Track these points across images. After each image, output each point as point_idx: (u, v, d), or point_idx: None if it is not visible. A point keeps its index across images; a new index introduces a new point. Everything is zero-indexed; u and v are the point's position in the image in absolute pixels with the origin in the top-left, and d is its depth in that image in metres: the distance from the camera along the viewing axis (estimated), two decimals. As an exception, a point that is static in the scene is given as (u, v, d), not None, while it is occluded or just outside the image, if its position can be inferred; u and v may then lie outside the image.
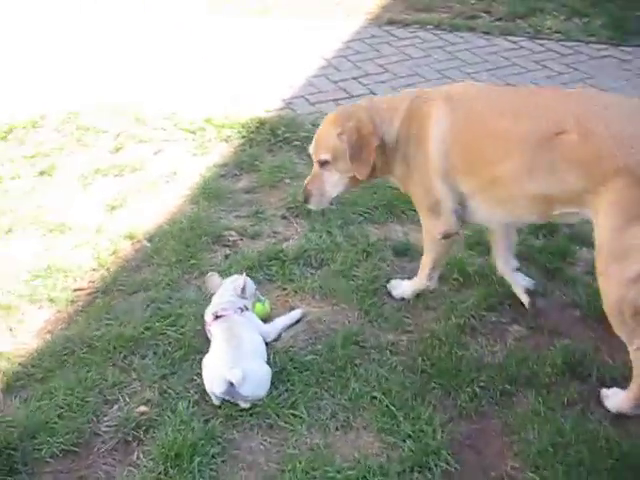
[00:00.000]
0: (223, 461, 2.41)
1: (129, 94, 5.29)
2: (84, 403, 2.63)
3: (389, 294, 3.14)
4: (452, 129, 2.63)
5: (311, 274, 3.28)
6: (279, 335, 2.92)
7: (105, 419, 2.59)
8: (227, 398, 2.58)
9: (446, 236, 2.85)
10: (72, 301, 3.21)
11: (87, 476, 2.40)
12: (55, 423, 2.54)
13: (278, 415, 2.54)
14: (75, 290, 3.28)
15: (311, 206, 2.95)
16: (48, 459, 2.44)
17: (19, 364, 2.85)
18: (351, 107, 2.92)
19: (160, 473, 2.35)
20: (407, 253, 3.42)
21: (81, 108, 5.06)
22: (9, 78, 5.67)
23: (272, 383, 2.64)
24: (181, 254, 3.43)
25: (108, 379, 2.74)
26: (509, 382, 2.65)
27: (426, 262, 3.02)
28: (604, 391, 2.58)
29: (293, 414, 2.54)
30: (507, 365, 2.72)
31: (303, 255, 3.39)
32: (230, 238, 3.61)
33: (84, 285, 3.31)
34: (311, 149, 2.90)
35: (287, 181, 4.08)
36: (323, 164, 2.79)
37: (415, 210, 3.02)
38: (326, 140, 2.78)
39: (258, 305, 3.01)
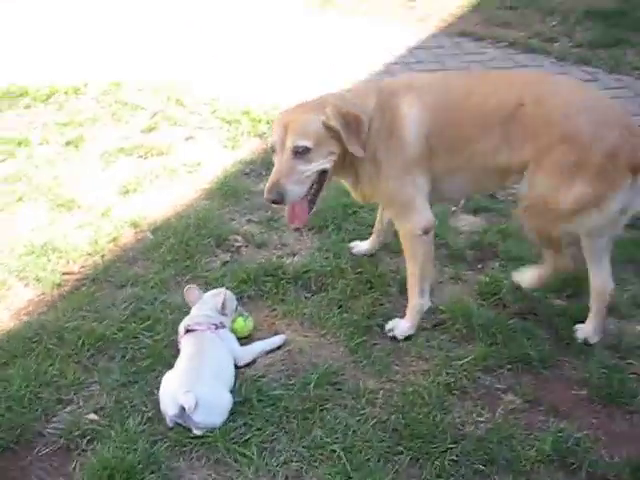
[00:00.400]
0: (159, 490, 2.26)
1: (175, 73, 5.20)
2: (37, 399, 2.53)
3: (387, 335, 2.89)
4: (426, 113, 2.69)
5: (305, 298, 3.07)
6: (254, 360, 2.73)
7: (54, 419, 2.48)
8: (179, 422, 2.42)
9: (426, 231, 2.81)
10: (58, 284, 3.12)
11: (18, 479, 2.29)
12: (2, 416, 2.45)
13: (228, 450, 2.36)
14: (64, 273, 3.19)
15: (289, 201, 2.64)
16: (-16, 454, 2.35)
17: (-13, 344, 2.78)
18: (316, 98, 2.77)
19: (89, 493, 2.21)
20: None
21: (124, 81, 4.98)
22: (62, 41, 5.65)
23: (231, 413, 2.47)
24: (178, 253, 3.29)
25: (68, 377, 2.62)
26: (485, 461, 2.37)
27: (413, 274, 2.90)
28: None
29: (243, 453, 2.36)
30: (488, 440, 2.44)
31: (303, 276, 3.18)
32: (235, 243, 3.44)
33: (74, 270, 3.22)
34: (276, 140, 2.63)
35: (311, 191, 3.87)
36: (300, 152, 2.59)
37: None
38: (306, 127, 2.60)
39: (239, 320, 2.83)
